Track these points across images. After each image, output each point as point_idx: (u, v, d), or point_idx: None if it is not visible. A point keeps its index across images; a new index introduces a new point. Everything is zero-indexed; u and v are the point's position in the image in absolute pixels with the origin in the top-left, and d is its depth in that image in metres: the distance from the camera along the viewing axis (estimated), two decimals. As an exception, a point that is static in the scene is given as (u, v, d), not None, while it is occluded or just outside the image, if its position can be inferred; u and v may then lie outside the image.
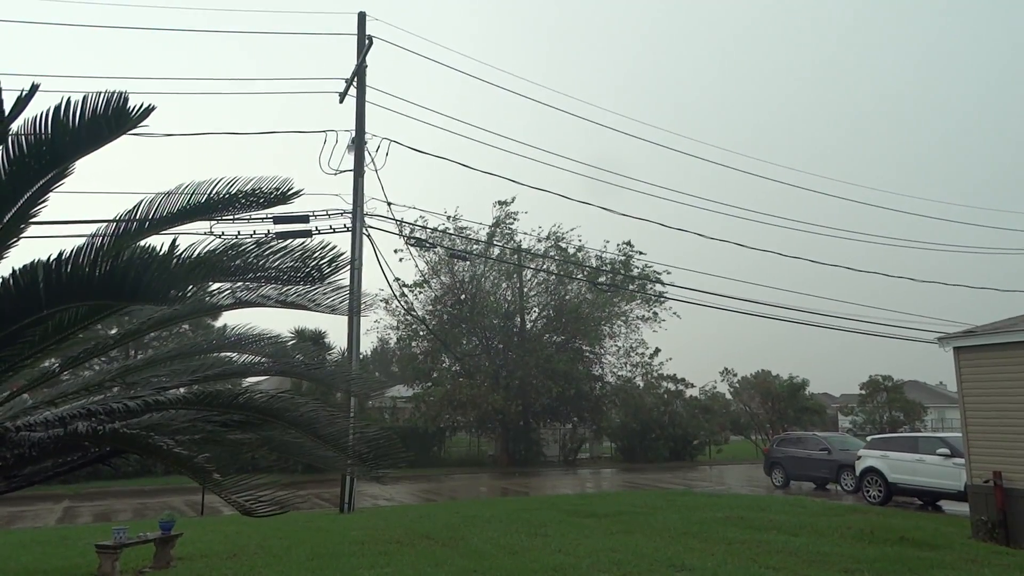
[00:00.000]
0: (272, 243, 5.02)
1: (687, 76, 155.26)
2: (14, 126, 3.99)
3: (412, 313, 30.83)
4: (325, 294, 5.35)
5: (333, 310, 5.42)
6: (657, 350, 34.41)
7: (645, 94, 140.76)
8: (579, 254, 32.24)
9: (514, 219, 30.96)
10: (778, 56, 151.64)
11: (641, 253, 32.35)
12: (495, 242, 31.43)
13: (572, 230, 32.57)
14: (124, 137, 4.39)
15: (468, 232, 30.49)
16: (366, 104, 17.34)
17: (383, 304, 31.30)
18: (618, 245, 32.41)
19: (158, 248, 4.02)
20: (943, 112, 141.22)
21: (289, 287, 5.28)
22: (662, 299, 31.88)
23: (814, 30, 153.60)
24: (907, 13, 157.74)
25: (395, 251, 31.69)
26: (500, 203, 31.07)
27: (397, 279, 32.37)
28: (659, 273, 31.55)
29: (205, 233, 13.31)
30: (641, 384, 35.16)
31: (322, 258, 5.02)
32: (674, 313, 33.35)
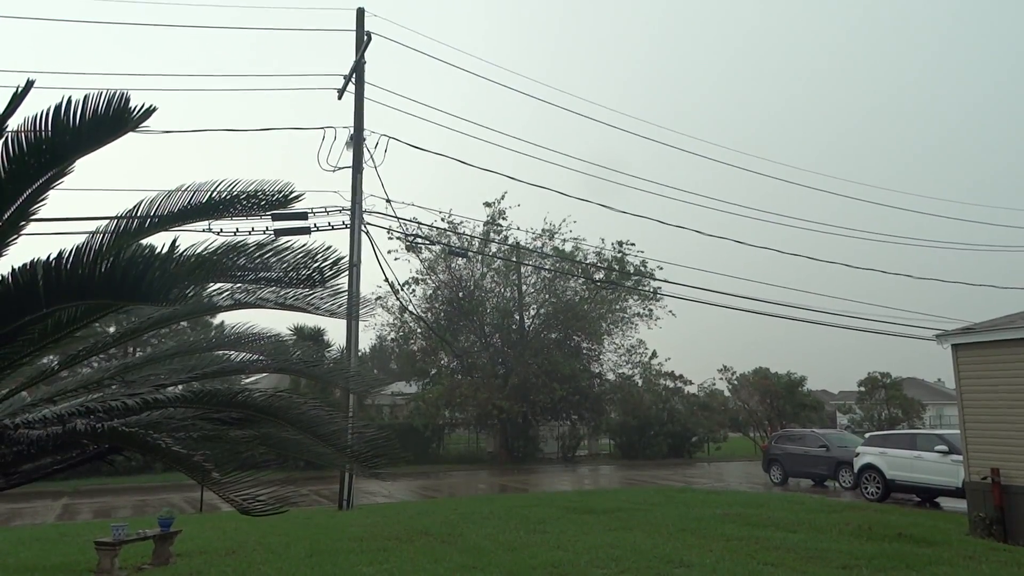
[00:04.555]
0: (273, 244, 5.02)
1: (688, 74, 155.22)
2: (15, 124, 3.99)
3: (409, 311, 30.85)
4: (324, 298, 5.35)
5: (332, 314, 5.42)
6: (655, 352, 34.71)
7: (647, 92, 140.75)
8: (575, 251, 32.26)
9: (503, 215, 31.00)
10: (778, 55, 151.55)
11: (632, 244, 32.35)
12: (491, 239, 31.46)
13: (563, 221, 32.48)
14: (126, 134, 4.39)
15: (463, 228, 30.56)
16: (365, 101, 17.34)
17: (381, 302, 31.37)
18: (613, 244, 32.42)
19: (158, 248, 4.03)
20: (942, 109, 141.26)
21: (289, 289, 5.28)
22: (657, 296, 31.96)
23: (814, 29, 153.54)
24: (909, 13, 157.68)
25: (389, 251, 31.39)
26: (487, 204, 31.16)
27: (393, 281, 32.43)
28: (652, 269, 31.61)
29: (204, 229, 13.32)
30: (640, 381, 35.25)
31: (324, 260, 5.03)
32: (670, 311, 33.47)
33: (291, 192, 5.28)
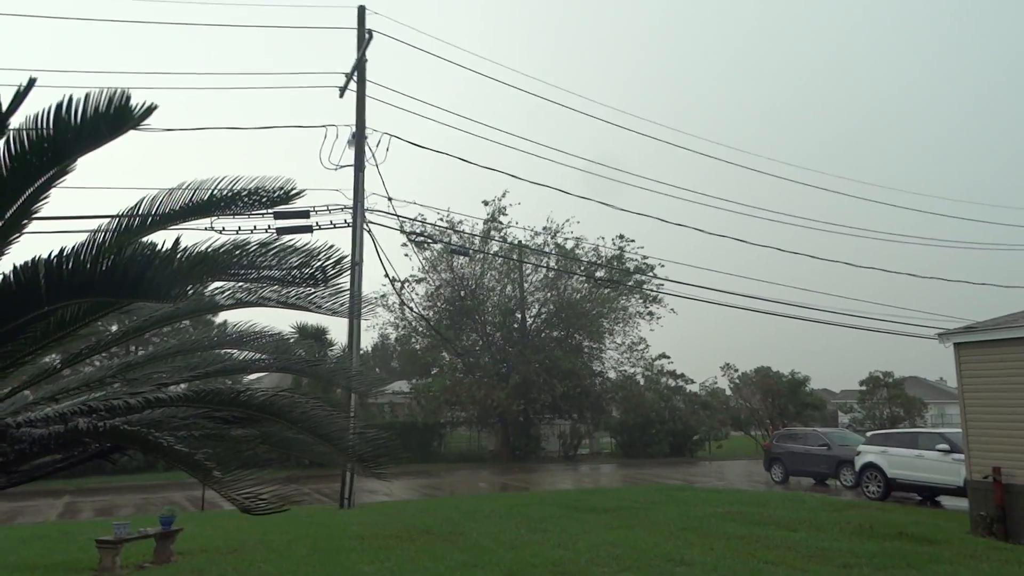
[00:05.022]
0: (274, 243, 5.01)
1: (689, 72, 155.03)
2: (16, 122, 4.00)
3: (411, 308, 30.87)
4: (326, 297, 5.34)
5: (334, 313, 5.41)
6: (663, 354, 34.75)
7: (648, 90, 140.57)
8: (576, 249, 32.29)
9: (504, 213, 31.00)
10: (780, 52, 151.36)
11: (632, 240, 32.33)
12: (492, 237, 31.49)
13: (567, 221, 32.56)
14: (128, 132, 4.39)
15: (463, 226, 30.58)
16: (366, 99, 17.34)
17: (382, 299, 31.40)
18: (612, 240, 32.43)
19: (160, 245, 4.03)
20: (945, 107, 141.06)
21: (291, 288, 5.27)
22: (658, 295, 32.01)
23: (814, 29, 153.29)
24: (909, 13, 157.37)
25: (402, 245, 31.05)
26: (486, 202, 31.13)
27: (395, 279, 32.45)
28: (652, 267, 31.58)
29: (206, 228, 13.33)
30: (641, 380, 35.26)
31: (326, 259, 5.01)
32: (671, 309, 33.50)
33: (292, 188, 5.27)
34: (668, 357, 34.90)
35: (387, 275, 30.77)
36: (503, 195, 31.02)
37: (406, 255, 32.90)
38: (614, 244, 32.22)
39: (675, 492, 17.11)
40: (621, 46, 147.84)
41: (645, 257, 31.91)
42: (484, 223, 31.09)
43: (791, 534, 10.51)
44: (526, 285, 33.38)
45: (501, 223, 31.11)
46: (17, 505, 17.01)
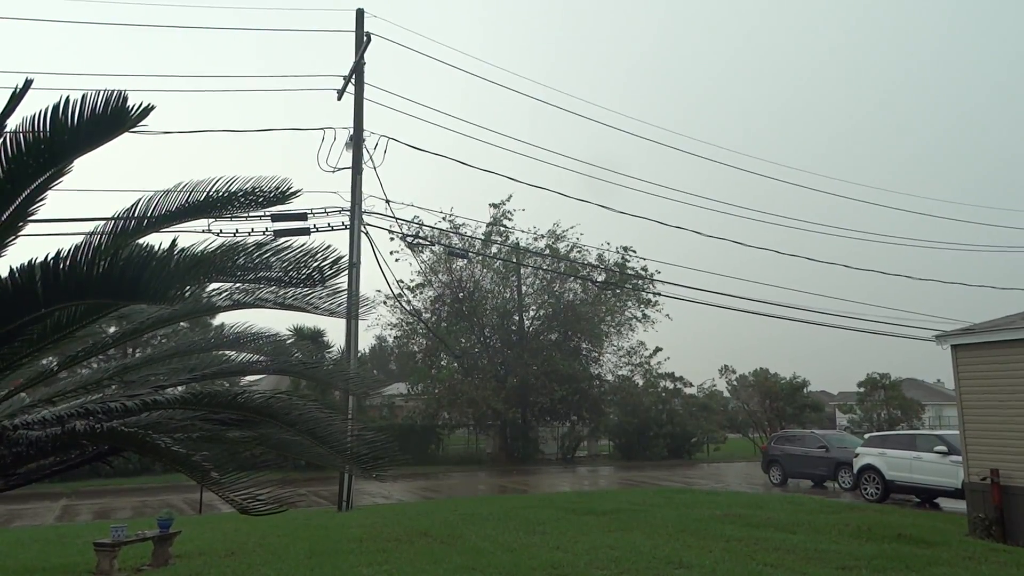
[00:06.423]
0: (272, 244, 5.01)
1: (688, 75, 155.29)
2: (13, 124, 3.99)
3: (410, 311, 30.82)
4: (323, 297, 5.34)
5: (332, 313, 5.41)
6: (657, 349, 34.59)
7: (646, 93, 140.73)
8: (575, 252, 32.22)
9: (509, 217, 30.93)
10: (776, 55, 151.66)
11: (635, 251, 32.28)
12: (493, 240, 31.40)
13: (572, 228, 32.35)
14: (125, 134, 4.39)
15: (464, 229, 30.49)
16: (364, 101, 17.34)
17: (382, 302, 31.36)
18: (617, 249, 32.36)
19: (157, 247, 4.02)
20: (941, 109, 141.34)
21: (288, 289, 5.27)
22: (655, 302, 31.98)
23: (813, 30, 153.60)
24: (908, 13, 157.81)
25: (391, 253, 31.09)
26: (494, 205, 31.03)
27: (399, 281, 32.36)
28: (651, 274, 31.51)
29: (203, 230, 13.32)
30: (640, 382, 35.23)
31: (323, 259, 5.02)
32: (666, 315, 33.42)
33: (288, 188, 5.27)
34: (662, 349, 34.76)
35: (385, 277, 30.77)
36: (508, 198, 30.91)
37: (397, 260, 32.94)
38: (618, 252, 32.20)
39: (673, 494, 17.09)
40: (621, 48, 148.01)
41: (645, 268, 31.84)
42: (488, 225, 31.03)
43: (789, 536, 10.50)
44: (524, 288, 33.33)
45: (505, 226, 31.02)
46: (14, 508, 16.97)
